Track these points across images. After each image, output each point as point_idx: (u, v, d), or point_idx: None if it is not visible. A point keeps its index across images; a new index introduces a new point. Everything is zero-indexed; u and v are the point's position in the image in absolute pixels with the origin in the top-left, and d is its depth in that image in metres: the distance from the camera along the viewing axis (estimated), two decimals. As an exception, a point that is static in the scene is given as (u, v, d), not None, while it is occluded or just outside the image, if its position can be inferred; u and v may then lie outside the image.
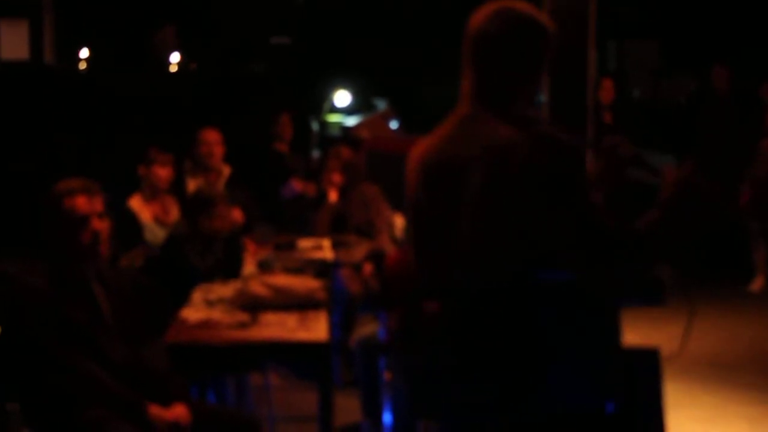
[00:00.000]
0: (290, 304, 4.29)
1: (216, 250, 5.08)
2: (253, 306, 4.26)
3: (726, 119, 9.49)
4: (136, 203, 5.90)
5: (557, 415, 2.49)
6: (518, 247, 2.47)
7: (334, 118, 12.36)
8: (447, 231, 2.57)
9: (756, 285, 8.64)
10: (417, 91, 12.46)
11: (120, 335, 3.47)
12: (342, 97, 12.40)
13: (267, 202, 7.21)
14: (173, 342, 3.79)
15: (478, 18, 2.63)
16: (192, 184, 6.33)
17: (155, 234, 5.79)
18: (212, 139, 6.51)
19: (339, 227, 6.58)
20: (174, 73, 13.16)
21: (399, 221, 6.50)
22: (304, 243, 6.10)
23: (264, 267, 5.28)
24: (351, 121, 12.27)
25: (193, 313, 4.24)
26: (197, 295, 4.50)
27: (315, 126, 11.70)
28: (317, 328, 4.00)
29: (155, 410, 3.38)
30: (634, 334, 6.89)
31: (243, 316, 4.14)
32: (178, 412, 3.42)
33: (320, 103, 12.32)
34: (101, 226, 3.48)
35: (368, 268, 6.12)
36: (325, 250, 5.96)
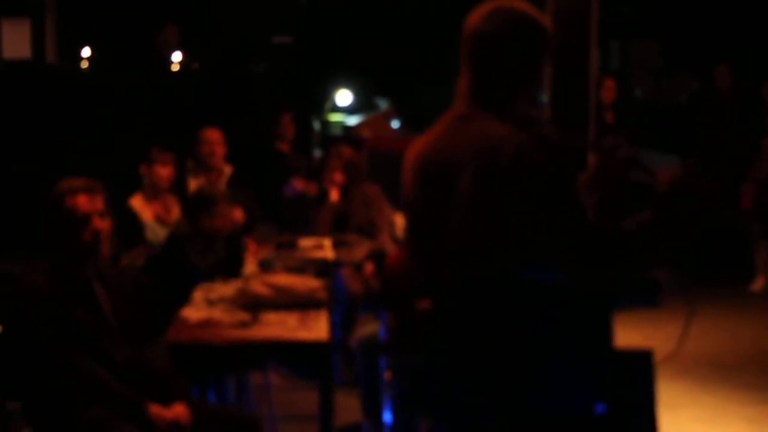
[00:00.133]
0: (291, 304, 4.29)
1: (217, 249, 5.08)
2: (253, 305, 4.26)
3: (728, 119, 9.47)
4: (137, 202, 5.91)
5: (548, 415, 2.49)
6: (507, 247, 2.47)
7: (335, 117, 12.34)
8: (441, 229, 2.57)
9: (757, 285, 8.63)
10: (418, 90, 12.44)
11: (121, 334, 3.47)
12: (343, 97, 12.38)
13: (268, 201, 7.21)
14: (174, 341, 3.79)
15: (475, 17, 2.63)
16: (193, 184, 6.34)
17: (156, 233, 5.79)
18: (214, 138, 6.51)
19: (340, 227, 6.58)
20: (176, 72, 13.14)
21: (400, 221, 6.50)
22: (305, 242, 6.11)
23: (265, 266, 5.29)
24: (352, 120, 12.25)
25: (194, 312, 4.24)
26: (198, 295, 4.50)
27: (316, 125, 11.68)
28: (318, 328, 4.01)
29: (156, 409, 3.38)
30: (635, 334, 6.91)
31: (244, 316, 4.14)
32: (179, 411, 3.42)
33: (322, 103, 12.30)
34: (102, 225, 3.49)
35: (369, 267, 6.13)
36: (326, 249, 5.96)
